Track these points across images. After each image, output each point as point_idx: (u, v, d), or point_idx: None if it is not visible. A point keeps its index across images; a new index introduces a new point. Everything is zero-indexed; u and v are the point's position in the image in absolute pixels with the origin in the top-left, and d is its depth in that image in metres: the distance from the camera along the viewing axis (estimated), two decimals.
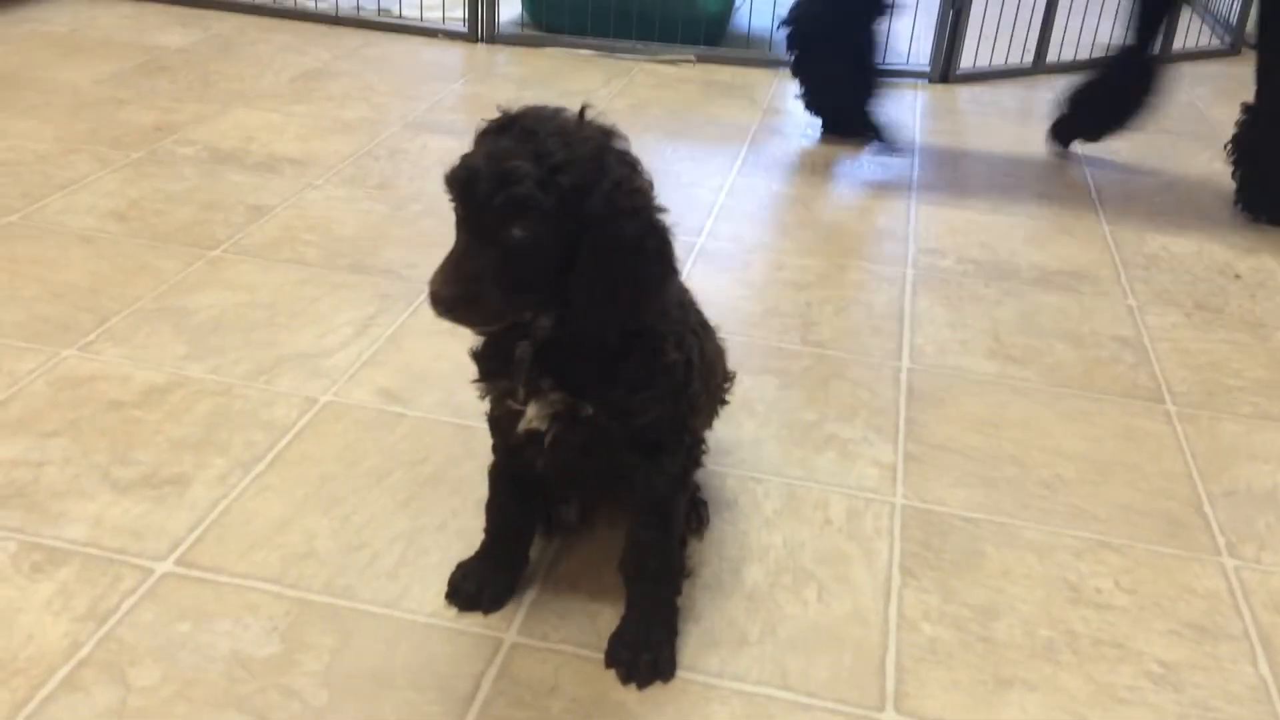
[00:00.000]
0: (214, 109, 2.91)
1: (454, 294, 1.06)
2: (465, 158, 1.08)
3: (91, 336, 1.85)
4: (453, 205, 1.09)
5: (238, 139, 2.72)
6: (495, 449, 1.33)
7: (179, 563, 1.38)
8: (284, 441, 1.62)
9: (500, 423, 1.27)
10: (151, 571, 1.37)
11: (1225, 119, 3.41)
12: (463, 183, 1.07)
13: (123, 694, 1.20)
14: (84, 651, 1.24)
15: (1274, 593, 1.47)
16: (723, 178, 2.71)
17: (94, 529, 1.43)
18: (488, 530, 1.36)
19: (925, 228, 2.52)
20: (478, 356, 1.23)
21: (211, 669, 1.23)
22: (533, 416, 1.19)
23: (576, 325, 1.13)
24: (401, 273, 2.13)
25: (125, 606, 1.31)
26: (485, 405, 1.29)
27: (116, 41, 3.41)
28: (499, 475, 1.34)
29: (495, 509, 1.36)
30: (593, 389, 1.17)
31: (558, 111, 1.12)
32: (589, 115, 1.12)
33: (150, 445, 1.60)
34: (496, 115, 1.12)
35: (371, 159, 2.67)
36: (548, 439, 1.20)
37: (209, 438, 1.62)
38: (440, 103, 3.10)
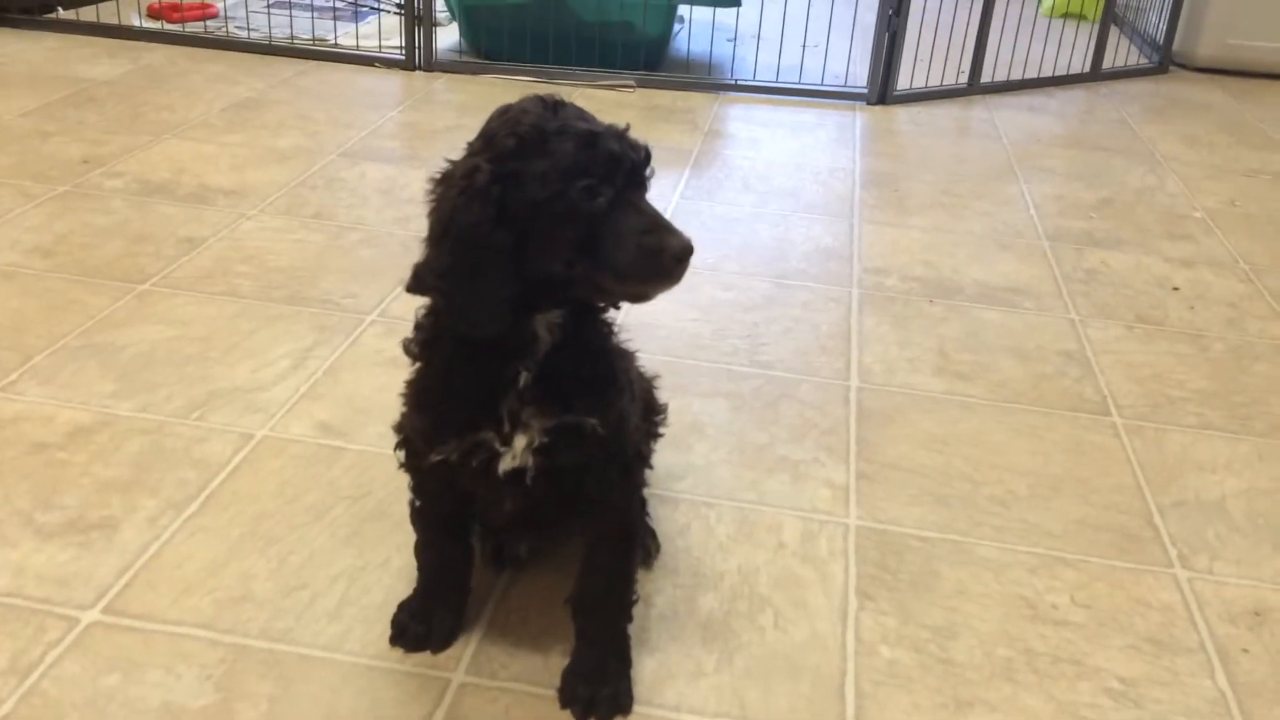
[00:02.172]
0: (144, 140, 2.84)
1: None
2: (602, 136, 1.05)
3: (14, 376, 1.78)
4: (596, 185, 1.03)
5: (169, 170, 2.66)
6: (419, 492, 1.26)
7: (107, 611, 1.32)
8: (218, 480, 1.56)
9: (462, 471, 1.17)
10: (78, 621, 1.30)
11: (1156, 135, 3.48)
12: (630, 154, 1.06)
13: None
14: (5, 708, 1.17)
15: (1228, 603, 1.46)
16: (666, 201, 2.69)
17: (16, 578, 1.36)
18: (424, 571, 1.31)
19: (869, 247, 2.52)
20: (437, 412, 1.14)
21: None
22: (519, 452, 1.13)
23: (602, 295, 1.10)
24: (340, 303, 2.08)
25: (50, 659, 1.24)
26: (404, 455, 1.24)
27: (42, 74, 3.32)
28: (428, 517, 1.28)
29: (430, 550, 1.30)
30: (581, 405, 1.13)
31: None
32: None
33: (76, 488, 1.53)
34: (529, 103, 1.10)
35: (308, 188, 2.61)
36: (530, 475, 1.15)
37: (138, 478, 1.55)
38: (378, 130, 3.05)
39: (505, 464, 1.14)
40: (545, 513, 1.26)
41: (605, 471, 1.18)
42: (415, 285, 1.07)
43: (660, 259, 1.04)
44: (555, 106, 1.08)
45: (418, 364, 1.17)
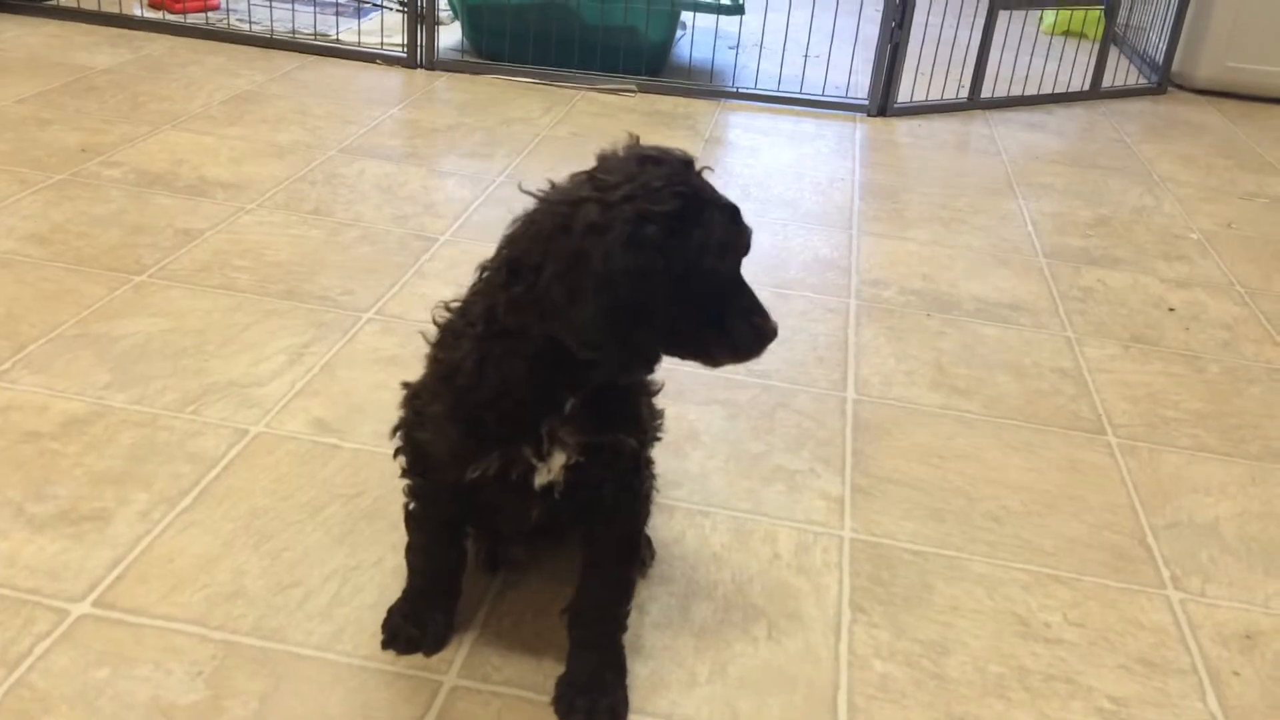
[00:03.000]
0: (143, 131, 2.83)
1: None
2: (741, 214, 1.09)
3: (7, 365, 1.76)
4: (738, 259, 1.09)
5: (167, 161, 2.64)
6: (421, 499, 1.25)
7: (97, 604, 1.31)
8: (212, 475, 1.55)
9: (491, 486, 1.16)
10: (67, 613, 1.29)
11: (1154, 155, 3.49)
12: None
13: None
14: None
15: (1220, 626, 1.47)
16: None
17: (6, 568, 1.35)
18: (416, 573, 1.30)
19: (867, 258, 2.53)
20: (478, 428, 1.12)
21: (131, 717, 1.16)
22: (555, 468, 1.14)
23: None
24: (337, 300, 2.07)
25: (38, 651, 1.23)
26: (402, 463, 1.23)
27: (42, 61, 3.30)
28: (425, 520, 1.27)
29: (424, 553, 1.30)
30: (617, 422, 1.15)
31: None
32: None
33: (68, 479, 1.52)
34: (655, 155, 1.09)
35: (307, 184, 2.61)
36: (559, 489, 1.16)
37: (131, 471, 1.54)
38: (378, 128, 3.04)
39: (540, 479, 1.14)
40: (560, 521, 1.25)
41: (630, 483, 1.20)
42: (594, 343, 1.03)
43: (762, 339, 1.10)
44: (693, 165, 1.09)
45: (451, 377, 1.13)
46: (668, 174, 1.04)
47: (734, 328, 1.08)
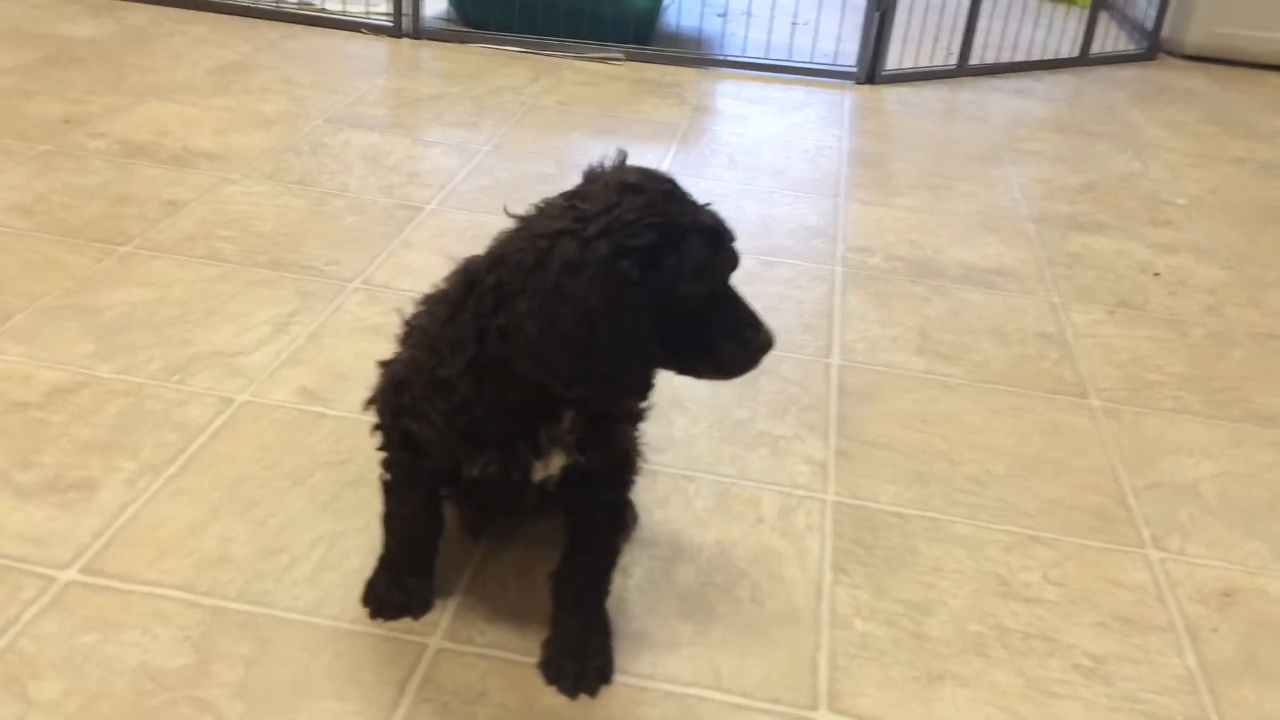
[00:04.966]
0: (127, 101, 2.81)
1: None
2: (725, 236, 1.10)
3: None
4: (718, 281, 1.10)
5: (151, 132, 2.63)
6: (402, 470, 1.25)
7: (84, 571, 1.31)
8: (197, 443, 1.56)
9: (487, 481, 1.17)
10: (54, 580, 1.30)
11: (1142, 121, 3.49)
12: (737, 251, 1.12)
13: (23, 710, 1.13)
14: None
15: (1199, 584, 1.48)
16: None
17: None
18: (397, 542, 1.31)
19: (854, 226, 2.53)
20: (476, 431, 1.13)
21: (118, 682, 1.17)
22: (553, 464, 1.16)
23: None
24: (323, 269, 2.07)
25: (26, 617, 1.24)
26: (374, 443, 1.24)
27: (25, 32, 3.28)
28: (404, 488, 1.27)
29: (405, 523, 1.30)
30: (615, 415, 1.18)
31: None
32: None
33: (54, 448, 1.52)
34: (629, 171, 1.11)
35: (292, 154, 2.60)
36: (553, 481, 1.18)
37: (117, 440, 1.55)
38: (364, 97, 3.03)
39: (538, 474, 1.16)
40: (553, 502, 1.25)
41: (624, 463, 1.24)
42: (570, 378, 1.04)
43: (753, 354, 1.11)
44: (674, 192, 1.09)
45: (448, 391, 1.12)
46: (644, 205, 1.04)
47: (721, 347, 1.10)
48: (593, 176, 1.10)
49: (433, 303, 1.18)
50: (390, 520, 1.30)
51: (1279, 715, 1.29)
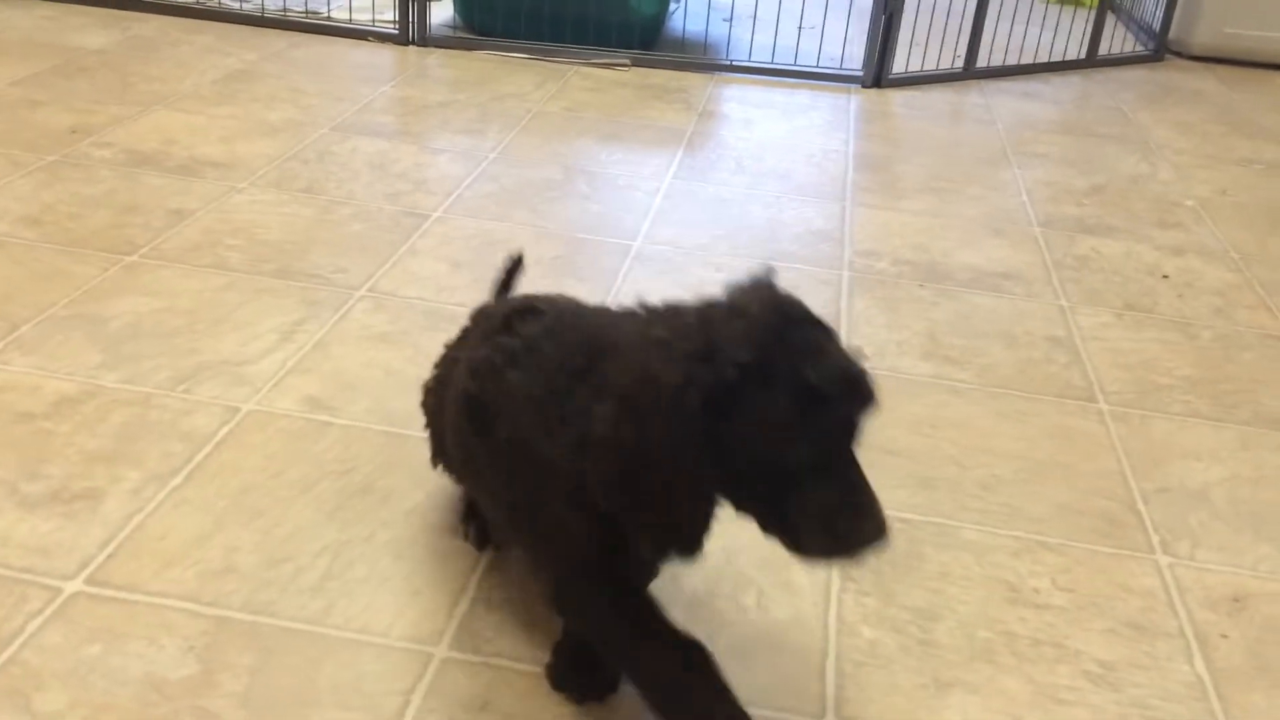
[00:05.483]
0: (133, 111, 2.82)
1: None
2: (844, 362, 0.94)
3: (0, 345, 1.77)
4: (811, 449, 0.92)
5: (158, 141, 2.64)
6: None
7: (89, 581, 1.31)
8: (203, 452, 1.56)
9: None
10: (60, 591, 1.30)
11: (1150, 122, 3.48)
12: (857, 410, 0.92)
13: None
14: None
15: (1208, 590, 1.47)
16: (659, 181, 2.68)
17: None
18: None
19: (860, 230, 2.52)
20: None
21: (123, 693, 1.17)
22: None
23: None
24: (330, 278, 2.07)
25: (31, 628, 1.24)
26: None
27: (35, 43, 3.29)
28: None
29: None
30: None
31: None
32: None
33: (60, 458, 1.52)
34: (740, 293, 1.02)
35: (299, 162, 2.60)
36: None
37: (123, 450, 1.55)
38: (370, 105, 3.03)
39: None
40: None
41: None
42: (613, 503, 0.97)
43: (843, 548, 0.93)
44: (794, 328, 0.93)
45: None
46: (742, 333, 0.92)
47: (801, 527, 0.92)
48: (732, 293, 1.00)
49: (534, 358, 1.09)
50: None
51: None
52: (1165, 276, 2.41)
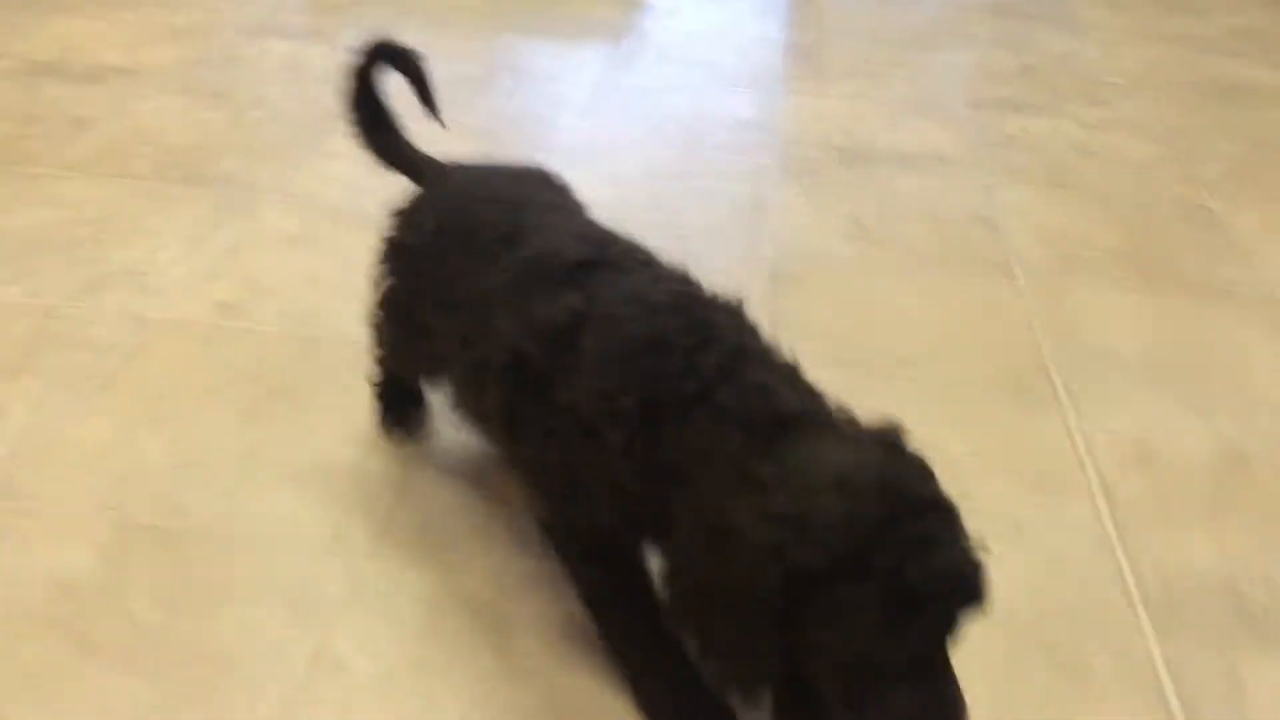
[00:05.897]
0: (30, 18, 2.70)
1: None
2: (955, 557, 0.83)
3: None
4: (895, 652, 0.83)
5: (58, 49, 2.53)
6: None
7: None
8: (111, 361, 1.53)
9: None
10: None
11: (1080, 2, 3.44)
12: (977, 588, 0.83)
13: None
14: None
15: (1116, 447, 1.50)
16: (589, 73, 2.62)
17: None
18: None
19: (788, 117, 2.49)
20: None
21: (32, 596, 1.16)
22: None
23: None
24: (241, 182, 2.02)
25: None
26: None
27: None
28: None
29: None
30: None
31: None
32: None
33: None
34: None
35: (206, 66, 2.51)
36: None
37: (26, 362, 1.51)
38: (281, 5, 2.92)
39: None
40: None
41: None
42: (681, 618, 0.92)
43: None
44: (905, 514, 0.83)
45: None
46: (839, 522, 0.81)
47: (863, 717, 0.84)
48: (850, 435, 0.92)
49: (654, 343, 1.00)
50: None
51: (1185, 561, 1.31)
52: (1091, 153, 2.41)
